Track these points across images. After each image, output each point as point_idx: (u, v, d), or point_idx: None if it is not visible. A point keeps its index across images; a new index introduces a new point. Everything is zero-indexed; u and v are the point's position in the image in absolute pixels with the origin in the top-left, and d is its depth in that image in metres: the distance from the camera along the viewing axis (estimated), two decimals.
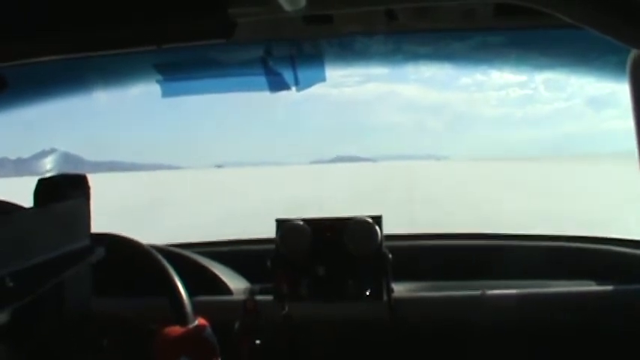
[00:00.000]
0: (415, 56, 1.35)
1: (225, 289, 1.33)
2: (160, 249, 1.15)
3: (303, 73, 1.22)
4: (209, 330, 0.97)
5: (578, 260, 1.38)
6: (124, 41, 0.86)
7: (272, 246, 1.26)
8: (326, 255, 1.23)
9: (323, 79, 1.25)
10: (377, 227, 1.23)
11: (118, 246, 1.07)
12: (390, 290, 1.20)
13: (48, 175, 0.83)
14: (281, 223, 1.26)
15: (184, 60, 1.25)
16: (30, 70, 1.06)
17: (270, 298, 1.23)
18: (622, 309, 1.20)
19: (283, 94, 1.26)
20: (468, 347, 1.24)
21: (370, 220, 1.24)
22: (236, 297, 1.30)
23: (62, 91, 1.39)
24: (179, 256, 1.33)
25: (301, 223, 1.25)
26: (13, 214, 0.74)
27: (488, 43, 1.20)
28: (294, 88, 1.23)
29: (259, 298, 1.25)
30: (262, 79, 1.22)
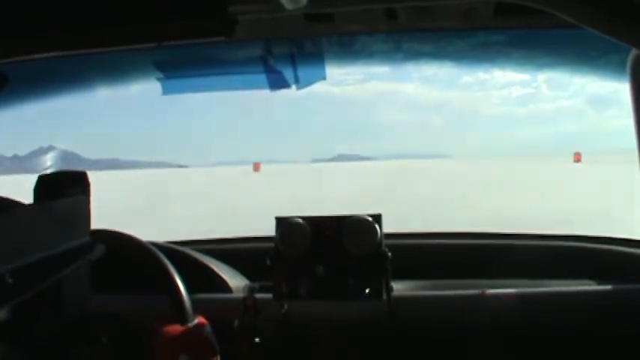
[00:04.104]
0: (417, 55, 1.34)
1: (224, 287, 1.33)
2: (160, 246, 1.15)
3: (303, 71, 1.22)
4: (208, 328, 0.97)
5: (578, 260, 1.37)
6: (124, 39, 0.86)
7: (271, 244, 1.26)
8: (325, 253, 1.23)
9: (323, 78, 1.25)
10: (376, 225, 1.23)
11: (118, 243, 1.07)
12: (390, 289, 1.20)
13: (46, 172, 0.83)
14: (280, 221, 1.26)
15: (185, 58, 1.25)
16: (30, 67, 1.06)
17: (269, 296, 1.24)
18: (622, 309, 1.20)
19: (284, 92, 1.26)
20: (468, 347, 1.24)
21: (370, 219, 1.24)
22: (235, 295, 1.30)
23: (63, 88, 1.39)
24: (179, 253, 1.33)
25: (301, 221, 1.25)
26: (13, 211, 0.74)
27: (490, 42, 1.19)
28: (294, 86, 1.23)
29: (259, 296, 1.25)
30: (262, 77, 1.22)
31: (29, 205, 0.74)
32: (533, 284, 1.28)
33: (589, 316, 1.21)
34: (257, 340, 1.21)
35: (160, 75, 1.23)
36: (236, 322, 1.22)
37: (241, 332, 1.21)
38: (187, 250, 1.41)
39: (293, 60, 1.21)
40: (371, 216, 1.24)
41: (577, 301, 1.22)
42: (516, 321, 1.22)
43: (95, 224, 0.82)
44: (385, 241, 1.23)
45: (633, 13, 0.70)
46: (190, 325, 0.96)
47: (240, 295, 1.27)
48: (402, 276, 1.27)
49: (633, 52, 0.82)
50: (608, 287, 1.23)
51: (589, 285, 1.27)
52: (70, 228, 0.75)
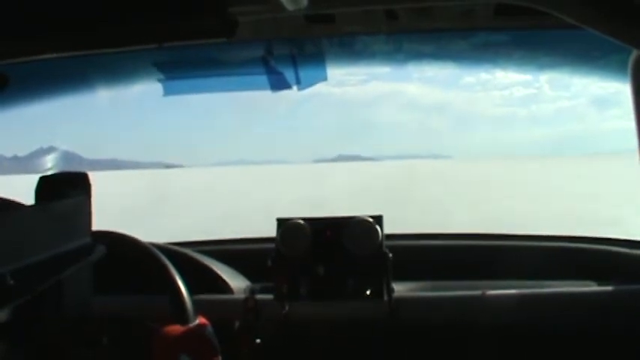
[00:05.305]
0: (418, 55, 1.34)
1: (225, 288, 1.33)
2: (161, 247, 1.15)
3: (304, 72, 1.22)
4: (210, 329, 0.97)
5: (578, 260, 1.37)
6: (125, 40, 0.86)
7: (272, 245, 1.26)
8: (326, 254, 1.23)
9: (324, 78, 1.25)
10: (377, 227, 1.23)
11: (119, 244, 1.07)
12: (391, 290, 1.20)
13: (47, 173, 0.83)
14: (281, 222, 1.26)
15: (186, 59, 1.25)
16: (31, 67, 1.06)
17: (270, 297, 1.24)
18: (622, 309, 1.20)
19: (286, 93, 1.26)
20: (468, 347, 1.24)
21: (371, 220, 1.24)
22: (236, 296, 1.30)
23: (63, 89, 1.39)
24: (180, 254, 1.33)
25: (302, 222, 1.25)
26: (14, 212, 0.74)
27: (492, 43, 1.19)
28: (295, 87, 1.23)
29: (259, 297, 1.25)
30: (264, 78, 1.22)
31: (30, 206, 0.75)
32: (534, 285, 1.28)
33: (589, 316, 1.21)
34: (258, 341, 1.21)
35: (161, 76, 1.23)
36: (237, 324, 1.22)
37: (242, 333, 1.21)
38: (188, 251, 1.41)
39: (294, 61, 1.21)
40: (372, 217, 1.24)
41: (577, 301, 1.22)
42: (517, 322, 1.21)
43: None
44: (386, 242, 1.23)
45: (634, 14, 0.70)
46: (191, 325, 0.96)
47: (241, 296, 1.27)
48: (402, 277, 1.27)
49: (634, 52, 0.82)
50: (608, 288, 1.23)
51: (589, 285, 1.27)
52: (71, 229, 0.75)
